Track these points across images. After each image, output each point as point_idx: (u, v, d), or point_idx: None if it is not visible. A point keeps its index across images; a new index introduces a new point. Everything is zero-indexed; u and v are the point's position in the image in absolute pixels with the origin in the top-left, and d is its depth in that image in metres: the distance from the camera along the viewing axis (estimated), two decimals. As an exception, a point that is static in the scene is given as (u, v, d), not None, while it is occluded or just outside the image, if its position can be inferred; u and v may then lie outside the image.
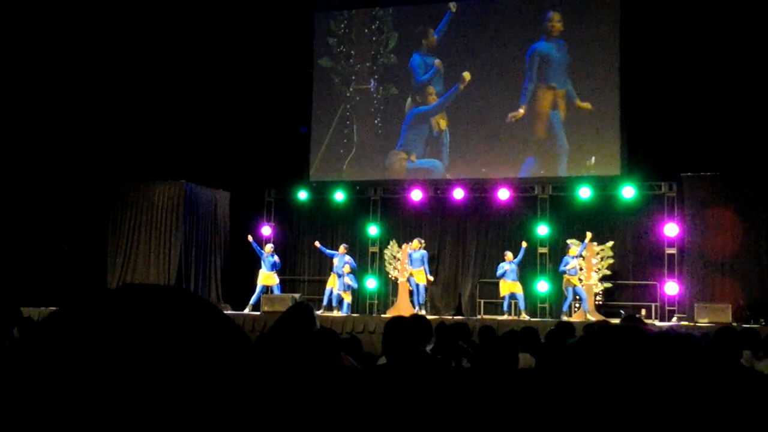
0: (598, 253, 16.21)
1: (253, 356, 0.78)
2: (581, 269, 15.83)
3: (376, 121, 18.39)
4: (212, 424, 0.71)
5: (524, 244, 15.97)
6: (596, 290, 16.15)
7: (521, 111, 17.31)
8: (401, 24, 18.46)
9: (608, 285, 16.34)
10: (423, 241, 16.61)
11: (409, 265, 16.44)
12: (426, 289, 16.64)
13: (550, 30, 17.26)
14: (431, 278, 16.59)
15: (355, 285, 16.60)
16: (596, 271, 16.18)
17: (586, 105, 16.88)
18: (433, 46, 18.19)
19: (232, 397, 0.74)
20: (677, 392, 0.78)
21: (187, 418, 0.71)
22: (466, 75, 17.77)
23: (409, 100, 18.27)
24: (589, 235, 15.70)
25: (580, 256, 15.77)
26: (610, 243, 16.38)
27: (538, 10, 17.46)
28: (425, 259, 16.34)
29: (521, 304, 15.78)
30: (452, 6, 18.03)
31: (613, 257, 16.35)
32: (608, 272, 16.32)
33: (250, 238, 16.98)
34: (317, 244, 17.19)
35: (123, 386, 0.70)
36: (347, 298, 16.37)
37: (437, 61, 18.14)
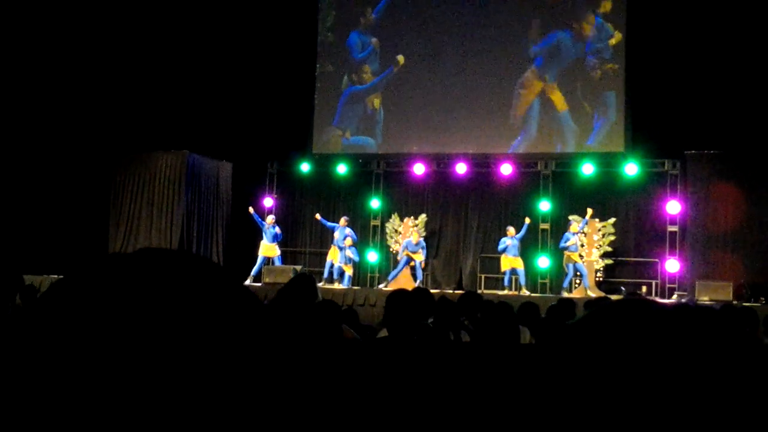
0: (599, 230, 16.21)
1: (267, 321, 0.78)
2: (582, 246, 15.84)
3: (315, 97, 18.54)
4: (228, 389, 0.71)
5: (527, 220, 15.97)
6: (597, 267, 16.17)
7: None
8: (340, 2, 18.49)
9: (609, 261, 16.35)
10: (417, 231, 16.85)
11: (408, 249, 16.52)
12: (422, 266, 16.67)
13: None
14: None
15: (356, 258, 16.63)
16: (597, 248, 16.18)
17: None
18: (371, 25, 18.25)
19: (249, 363, 0.74)
20: (704, 367, 0.76)
21: (206, 383, 0.71)
22: (400, 59, 17.90)
23: (345, 77, 18.34)
24: (590, 211, 15.70)
25: (581, 232, 15.78)
26: (612, 219, 16.38)
27: None
28: (423, 246, 16.62)
29: (522, 280, 15.79)
30: None
31: (614, 234, 16.35)
32: (609, 249, 16.32)
33: (251, 209, 16.97)
34: (318, 216, 17.19)
35: (148, 354, 0.70)
36: (348, 271, 16.40)
37: (374, 40, 18.19)
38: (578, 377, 0.78)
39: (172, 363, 0.70)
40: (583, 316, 0.86)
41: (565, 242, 15.55)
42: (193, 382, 0.70)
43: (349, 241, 16.34)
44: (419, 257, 16.44)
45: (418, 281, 16.01)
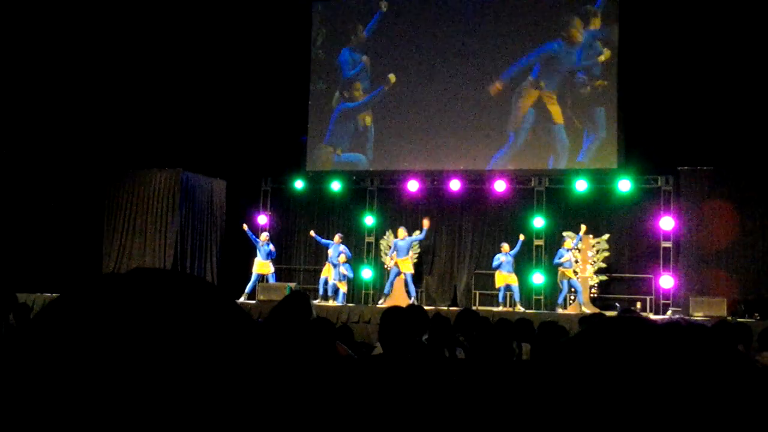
0: (593, 246, 16.23)
1: (260, 340, 0.78)
2: (576, 262, 15.86)
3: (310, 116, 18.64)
4: (222, 409, 0.72)
5: (521, 237, 15.98)
6: (591, 283, 16.18)
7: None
8: (329, 20, 18.62)
9: (603, 278, 16.36)
10: (406, 229, 16.66)
11: (396, 254, 16.45)
12: (412, 278, 16.59)
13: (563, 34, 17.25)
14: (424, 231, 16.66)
15: (350, 274, 16.61)
16: (592, 264, 16.20)
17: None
18: (362, 42, 18.35)
19: (241, 381, 0.74)
20: (696, 386, 0.76)
21: (200, 402, 0.71)
22: (391, 77, 17.99)
23: (337, 94, 18.43)
24: (583, 227, 15.74)
25: (576, 248, 15.80)
26: (606, 236, 16.41)
27: (476, 11, 17.64)
28: (414, 239, 16.47)
29: (516, 296, 15.79)
30: (383, 6, 18.17)
31: (608, 250, 16.37)
32: (604, 265, 16.34)
33: (245, 226, 16.97)
34: (312, 233, 17.19)
35: (142, 373, 0.70)
36: (342, 288, 16.38)
37: (365, 58, 18.28)
38: (572, 395, 0.79)
39: (166, 382, 0.70)
40: (577, 334, 0.87)
41: (560, 258, 15.58)
42: (188, 401, 0.70)
43: (343, 258, 16.33)
44: (407, 265, 16.27)
45: (412, 298, 15.96)
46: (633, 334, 0.81)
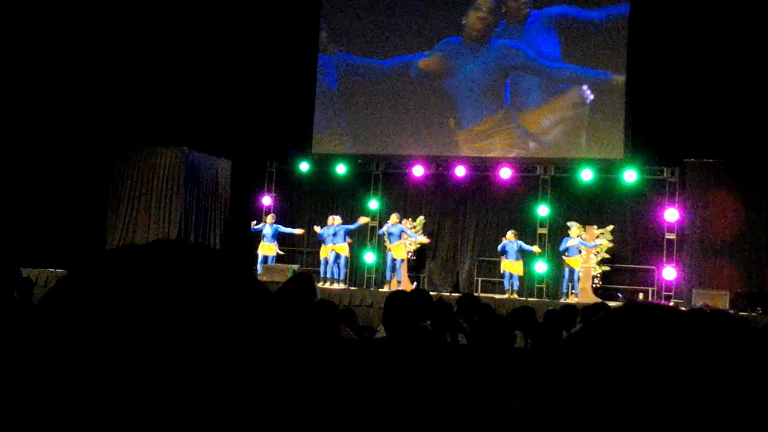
0: (597, 237, 16.20)
1: (278, 316, 0.77)
2: (580, 252, 15.83)
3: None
4: (240, 384, 0.71)
5: (537, 251, 15.97)
6: (594, 273, 16.16)
7: None
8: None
9: (606, 268, 16.35)
10: (400, 215, 16.70)
11: (387, 239, 16.49)
12: (408, 264, 16.65)
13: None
14: (424, 239, 16.64)
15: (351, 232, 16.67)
16: (596, 254, 16.18)
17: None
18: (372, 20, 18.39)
19: (261, 357, 0.74)
20: (725, 379, 0.73)
21: (222, 374, 0.70)
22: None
23: (344, 75, 18.57)
24: (587, 233, 15.75)
25: (579, 252, 15.79)
26: (610, 227, 16.38)
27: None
28: (405, 231, 16.47)
29: (516, 284, 15.86)
30: None
31: (612, 241, 16.35)
32: (607, 255, 16.32)
33: (254, 223, 17.01)
34: (317, 228, 16.97)
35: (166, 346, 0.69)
36: (344, 252, 16.35)
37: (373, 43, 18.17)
38: (591, 384, 0.76)
39: (191, 354, 0.70)
40: (594, 321, 0.83)
41: (565, 245, 15.61)
42: (209, 372, 0.70)
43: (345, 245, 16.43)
44: (399, 251, 16.33)
45: (399, 285, 15.94)
46: (657, 322, 0.78)
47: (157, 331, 0.69)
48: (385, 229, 16.67)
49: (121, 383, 0.68)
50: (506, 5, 17.56)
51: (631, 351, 0.76)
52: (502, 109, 17.47)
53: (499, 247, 15.96)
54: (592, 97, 16.79)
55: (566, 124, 17.11)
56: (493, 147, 17.51)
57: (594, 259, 16.07)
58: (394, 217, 16.50)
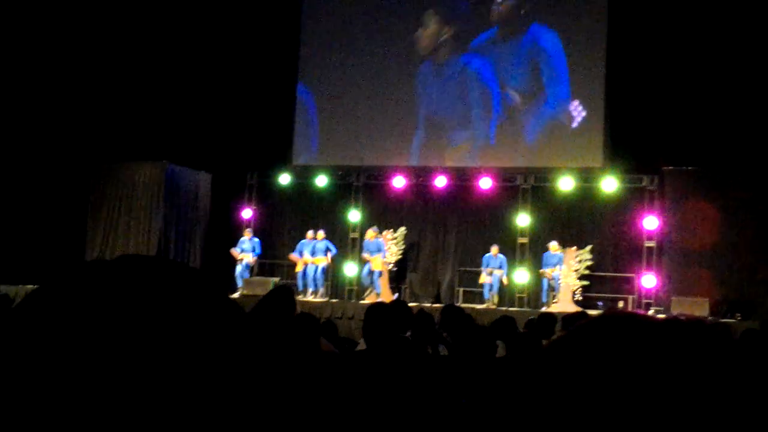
0: (577, 256, 16.22)
1: (247, 329, 0.77)
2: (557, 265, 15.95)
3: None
4: (209, 399, 0.71)
5: (505, 282, 16.22)
6: (573, 288, 16.13)
7: None
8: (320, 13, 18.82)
9: (586, 282, 16.32)
10: (377, 229, 16.78)
11: (369, 254, 16.55)
12: (386, 275, 16.72)
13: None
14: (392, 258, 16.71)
15: (333, 251, 16.66)
16: (575, 271, 16.19)
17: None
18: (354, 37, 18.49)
19: (230, 372, 0.73)
20: (713, 387, 0.73)
21: (187, 390, 0.70)
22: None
23: (325, 87, 18.59)
24: (569, 251, 15.85)
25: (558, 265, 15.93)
26: (589, 247, 16.38)
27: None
28: (382, 247, 16.54)
29: (495, 288, 15.95)
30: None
31: (591, 260, 16.36)
32: (587, 272, 16.30)
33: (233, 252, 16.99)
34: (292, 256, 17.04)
35: (130, 362, 0.69)
36: (324, 262, 16.41)
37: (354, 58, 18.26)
38: (568, 393, 0.76)
39: (153, 370, 0.69)
40: (571, 330, 0.83)
41: (547, 265, 15.78)
42: (174, 390, 0.70)
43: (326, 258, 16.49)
44: (376, 262, 16.39)
45: (374, 291, 16.11)
46: (633, 331, 0.78)
47: (112, 346, 0.69)
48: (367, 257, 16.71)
49: (75, 402, 0.67)
50: (484, 18, 17.66)
51: (607, 359, 0.76)
52: (482, 120, 17.53)
53: (483, 264, 16.11)
54: (584, 114, 16.87)
55: (545, 134, 17.17)
56: (473, 157, 17.56)
57: (574, 276, 16.07)
58: (370, 233, 16.59)
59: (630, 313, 0.81)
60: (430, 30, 17.89)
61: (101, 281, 0.74)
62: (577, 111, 16.89)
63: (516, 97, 17.35)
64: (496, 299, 16.05)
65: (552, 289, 15.90)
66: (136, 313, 0.71)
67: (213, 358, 0.72)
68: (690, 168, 15.77)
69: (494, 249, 16.14)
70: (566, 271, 15.90)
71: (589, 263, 16.30)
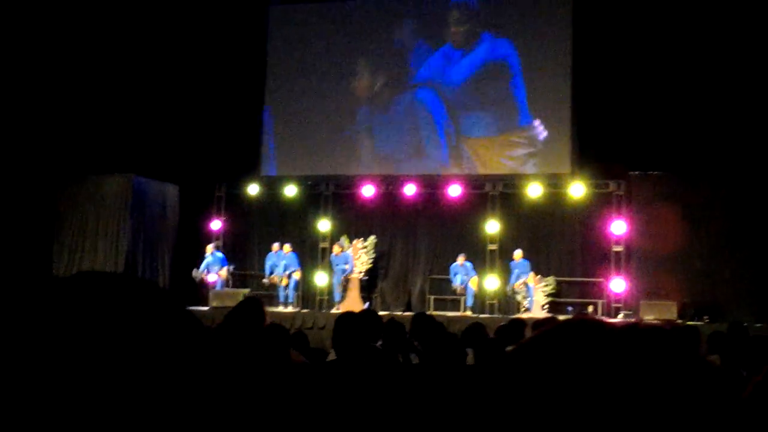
0: (542, 282, 16.26)
1: (210, 345, 0.76)
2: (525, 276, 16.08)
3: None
4: (166, 412, 0.70)
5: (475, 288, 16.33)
6: (542, 303, 16.19)
7: None
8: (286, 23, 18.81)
9: (551, 298, 16.32)
10: (343, 245, 16.84)
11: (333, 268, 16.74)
12: (357, 283, 16.80)
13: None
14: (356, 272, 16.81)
15: (296, 266, 16.67)
16: (542, 295, 16.26)
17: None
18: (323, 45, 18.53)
19: (188, 385, 0.72)
20: (658, 389, 0.75)
21: (141, 406, 0.69)
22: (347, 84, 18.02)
23: (292, 97, 18.61)
24: (533, 277, 15.97)
25: (523, 282, 16.05)
26: (551, 278, 16.39)
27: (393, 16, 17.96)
28: (349, 260, 16.68)
29: (470, 301, 16.08)
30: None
31: (554, 287, 16.39)
32: (551, 299, 16.28)
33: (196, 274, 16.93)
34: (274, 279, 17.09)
35: (80, 374, 0.68)
36: (291, 279, 16.46)
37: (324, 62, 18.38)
38: (527, 398, 0.77)
39: (104, 387, 0.68)
40: (531, 337, 0.85)
41: (515, 280, 15.93)
42: (129, 406, 0.69)
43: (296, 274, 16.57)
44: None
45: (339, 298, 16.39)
46: (591, 336, 0.81)
47: (71, 363, 0.68)
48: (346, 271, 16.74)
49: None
50: (445, 29, 17.75)
51: (565, 365, 0.78)
52: (449, 128, 17.58)
53: (452, 273, 16.26)
54: (545, 134, 16.98)
55: (513, 144, 17.25)
56: (442, 165, 17.61)
57: (541, 301, 16.12)
58: (336, 248, 16.68)
59: (588, 320, 0.83)
60: (364, 81, 18.02)
61: (56, 298, 0.73)
62: (539, 129, 16.99)
63: (475, 119, 17.43)
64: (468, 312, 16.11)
65: (524, 298, 16.02)
66: (88, 330, 0.70)
67: (166, 374, 0.71)
68: (656, 173, 15.93)
69: (460, 258, 16.28)
70: (532, 278, 16.01)
71: (553, 290, 16.35)
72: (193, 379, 0.73)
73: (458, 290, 16.24)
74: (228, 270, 17.10)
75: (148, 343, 0.72)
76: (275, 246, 16.83)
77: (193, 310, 15.48)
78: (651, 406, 0.75)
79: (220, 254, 17.21)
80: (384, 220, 18.16)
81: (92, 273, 0.78)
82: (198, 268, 16.94)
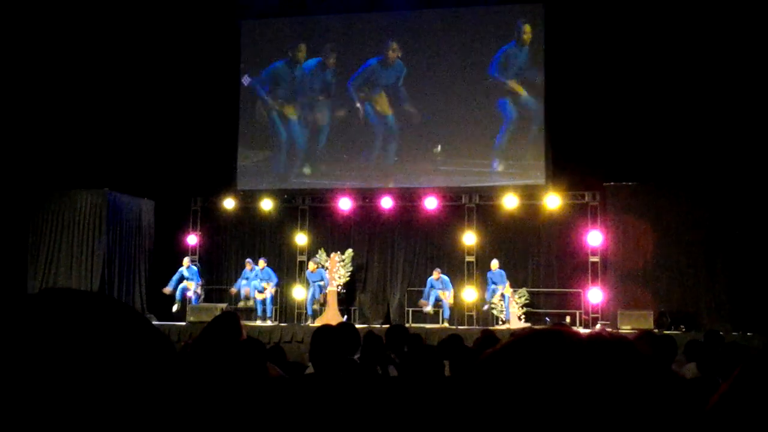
0: (516, 294, 16.31)
1: (176, 364, 0.75)
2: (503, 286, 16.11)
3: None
4: None
5: (451, 302, 16.31)
6: (518, 314, 16.23)
7: None
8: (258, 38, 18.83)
9: (526, 310, 16.37)
10: (319, 262, 16.85)
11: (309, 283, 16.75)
12: (335, 296, 16.79)
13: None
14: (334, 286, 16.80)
15: (274, 279, 16.65)
16: (516, 307, 16.31)
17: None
18: (295, 61, 18.59)
19: (153, 405, 0.71)
20: (617, 398, 0.77)
21: (107, 426, 0.68)
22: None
23: (267, 111, 18.64)
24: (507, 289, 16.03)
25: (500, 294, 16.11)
26: (523, 289, 16.47)
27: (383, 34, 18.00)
28: (324, 277, 16.71)
29: (446, 313, 16.09)
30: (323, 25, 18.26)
31: (527, 298, 16.45)
32: (525, 309, 16.33)
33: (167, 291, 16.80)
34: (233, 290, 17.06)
35: (39, 394, 0.67)
36: (264, 294, 16.39)
37: (297, 75, 18.52)
38: (493, 408, 0.78)
39: (66, 410, 0.67)
40: (499, 348, 0.86)
41: (491, 296, 15.97)
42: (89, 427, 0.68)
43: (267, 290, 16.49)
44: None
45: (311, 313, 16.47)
46: (555, 347, 0.81)
47: (33, 381, 0.67)
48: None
49: None
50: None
51: (529, 375, 0.79)
52: (423, 139, 17.64)
53: (426, 288, 16.27)
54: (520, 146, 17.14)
55: (486, 154, 17.32)
56: (418, 178, 17.64)
57: (516, 306, 16.17)
58: (311, 265, 16.67)
59: (555, 330, 0.84)
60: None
61: (22, 316, 0.72)
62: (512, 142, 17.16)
63: (450, 132, 17.51)
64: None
65: (500, 312, 16.06)
66: (54, 349, 0.69)
67: (130, 390, 0.71)
68: (630, 183, 16.04)
69: (436, 273, 16.25)
70: (508, 288, 16.06)
71: (526, 301, 16.40)
72: (156, 400, 0.72)
73: (430, 312, 16.26)
74: (199, 285, 17.00)
75: (111, 363, 0.71)
76: (248, 263, 16.74)
77: (170, 325, 15.40)
78: (612, 414, 0.76)
79: (195, 268, 17.11)
80: (361, 233, 18.17)
81: (56, 290, 0.77)
82: (169, 284, 16.79)
